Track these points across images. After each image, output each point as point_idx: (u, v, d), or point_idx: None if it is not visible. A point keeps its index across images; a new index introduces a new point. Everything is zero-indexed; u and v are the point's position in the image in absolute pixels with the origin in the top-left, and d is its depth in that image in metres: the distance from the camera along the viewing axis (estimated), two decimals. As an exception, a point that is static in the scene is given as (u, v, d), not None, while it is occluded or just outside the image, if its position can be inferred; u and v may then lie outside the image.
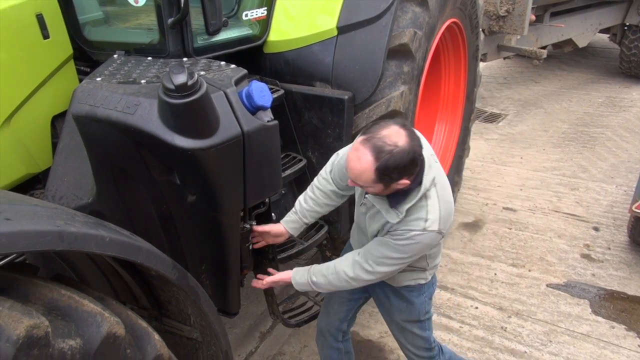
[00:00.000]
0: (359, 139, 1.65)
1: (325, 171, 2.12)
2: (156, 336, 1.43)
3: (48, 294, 1.19)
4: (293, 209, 2.17)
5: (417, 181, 1.72)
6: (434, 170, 1.78)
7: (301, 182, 2.69)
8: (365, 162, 1.61)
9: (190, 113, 1.58)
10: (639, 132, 6.24)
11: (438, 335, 3.11)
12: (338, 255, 3.40)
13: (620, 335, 3.14)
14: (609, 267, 3.79)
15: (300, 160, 2.63)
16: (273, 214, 2.27)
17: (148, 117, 1.62)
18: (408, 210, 1.74)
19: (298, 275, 2.06)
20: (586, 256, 3.92)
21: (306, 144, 2.64)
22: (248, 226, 2.04)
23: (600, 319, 3.28)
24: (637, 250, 3.95)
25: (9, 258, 1.74)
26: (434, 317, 3.20)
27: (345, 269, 1.92)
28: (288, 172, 2.51)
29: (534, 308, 3.36)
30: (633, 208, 3.57)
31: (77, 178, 1.97)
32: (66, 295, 1.21)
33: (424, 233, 1.74)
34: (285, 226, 2.15)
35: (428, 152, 1.81)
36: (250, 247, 2.15)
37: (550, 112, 6.98)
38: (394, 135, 1.60)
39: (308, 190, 2.17)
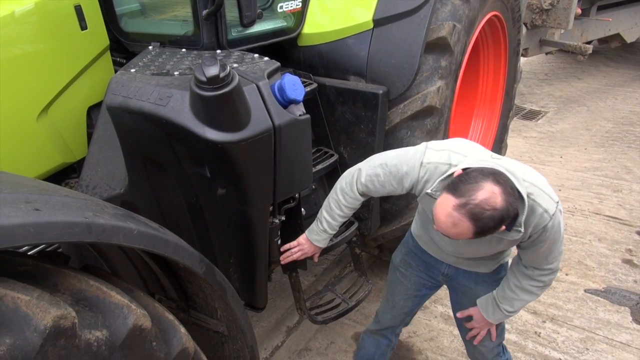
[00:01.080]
0: (450, 202, 1.51)
1: (351, 190, 1.96)
2: (182, 329, 1.43)
3: (76, 284, 1.20)
4: (319, 226, 2.06)
5: (517, 194, 1.60)
6: (511, 170, 1.62)
7: (332, 177, 2.66)
8: (463, 228, 1.52)
9: (222, 106, 1.56)
10: (690, 133, 5.93)
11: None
12: (367, 252, 3.38)
13: (663, 346, 2.99)
14: (652, 274, 3.61)
15: (332, 155, 2.60)
16: (303, 209, 2.24)
17: (180, 109, 1.62)
18: (526, 222, 1.64)
19: (490, 313, 1.97)
20: (628, 261, 3.75)
21: (338, 138, 2.60)
22: (277, 221, 2.02)
23: (641, 328, 3.13)
24: (684, 258, 3.76)
25: (40, 247, 1.77)
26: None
27: (533, 284, 1.84)
28: (319, 167, 2.47)
29: (570, 314, 3.24)
30: (681, 213, 3.38)
31: (111, 168, 1.99)
32: (94, 286, 1.21)
33: (555, 216, 1.66)
34: (318, 245, 2.11)
35: (487, 155, 1.71)
36: (279, 242, 2.14)
37: (594, 110, 6.71)
38: (491, 198, 1.48)
39: (334, 208, 2.02)
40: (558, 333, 3.09)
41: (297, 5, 2.47)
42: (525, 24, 5.37)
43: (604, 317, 3.22)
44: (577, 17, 5.61)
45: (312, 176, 2.22)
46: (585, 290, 3.45)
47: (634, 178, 4.93)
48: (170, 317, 1.41)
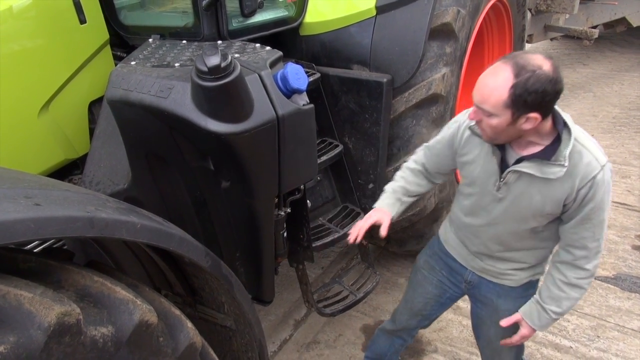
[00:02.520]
0: (498, 60, 1.50)
1: (413, 156, 2.04)
2: (189, 324, 1.41)
3: (81, 281, 1.18)
4: (390, 197, 2.02)
5: (561, 122, 1.55)
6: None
7: (337, 168, 2.63)
8: (503, 77, 1.43)
9: (224, 96, 1.53)
10: (698, 117, 5.86)
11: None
12: (374, 244, 3.35)
13: (675, 332, 2.96)
14: (663, 260, 3.57)
15: (337, 145, 2.57)
16: (308, 201, 2.22)
17: (181, 101, 1.59)
18: (571, 157, 1.52)
19: (536, 319, 1.78)
20: (638, 248, 3.71)
21: (343, 129, 2.57)
22: (282, 213, 2.00)
23: (653, 314, 3.10)
24: (695, 243, 3.71)
25: (47, 244, 1.76)
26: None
27: (579, 274, 1.69)
28: (324, 158, 2.45)
29: (580, 301, 3.19)
30: (692, 198, 3.33)
31: (114, 163, 1.97)
32: (99, 282, 1.19)
33: (605, 169, 1.54)
34: (379, 205, 2.01)
35: None
36: (285, 234, 2.11)
37: (600, 96, 6.63)
38: (539, 59, 1.43)
39: (399, 172, 2.06)
40: (568, 321, 3.06)
41: (298, -6, 2.43)
42: (530, 10, 5.30)
43: (614, 304, 3.18)
44: (582, 2, 5.54)
45: (318, 167, 2.19)
46: (595, 278, 3.41)
47: (642, 163, 4.88)
48: (177, 312, 1.39)
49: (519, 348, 2.07)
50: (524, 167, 1.59)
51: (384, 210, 1.97)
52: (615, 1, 6.35)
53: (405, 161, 2.08)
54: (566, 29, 5.93)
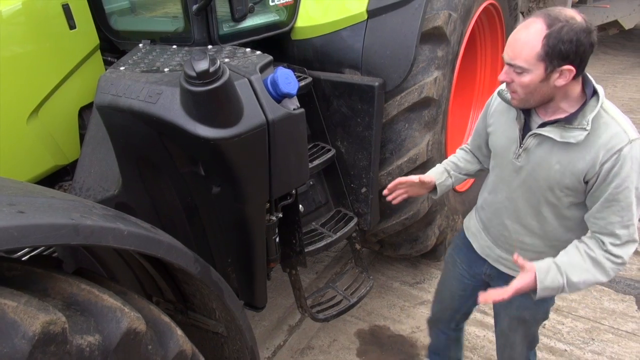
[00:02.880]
0: (530, 15, 1.49)
1: (463, 145, 2.09)
2: (179, 332, 1.40)
3: (67, 289, 1.17)
4: (438, 167, 2.04)
5: (590, 87, 1.51)
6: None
7: (330, 172, 2.63)
8: (535, 29, 1.41)
9: (213, 101, 1.52)
10: (690, 119, 5.88)
11: (473, 331, 3.00)
12: (368, 248, 3.35)
13: (669, 334, 2.96)
14: (657, 261, 3.58)
15: (329, 150, 2.56)
16: (300, 206, 2.21)
17: (170, 106, 1.58)
18: (596, 125, 1.45)
19: (547, 278, 1.54)
20: (632, 250, 3.71)
21: (335, 133, 2.56)
22: (274, 218, 1.99)
23: (647, 316, 3.10)
24: (689, 244, 3.72)
25: (36, 251, 1.74)
26: (469, 313, 3.10)
27: (607, 256, 1.51)
28: (316, 162, 2.44)
29: (575, 304, 3.21)
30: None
31: (104, 170, 1.96)
32: (86, 290, 1.18)
33: (634, 143, 1.44)
34: (430, 175, 1.97)
35: None
36: (277, 239, 2.10)
37: (593, 99, 6.67)
38: (571, 12, 1.43)
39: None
40: (563, 324, 3.05)
41: (289, -2, 2.43)
42: (522, 13, 5.32)
43: (608, 306, 3.19)
44: (574, 4, 5.57)
45: (309, 172, 2.18)
46: (589, 280, 3.42)
47: (635, 165, 4.90)
48: (167, 319, 1.38)
49: (531, 342, 2.06)
50: (545, 130, 1.54)
51: (430, 176, 1.98)
52: (607, 4, 6.39)
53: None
54: (558, 32, 5.96)
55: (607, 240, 1.54)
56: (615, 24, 7.04)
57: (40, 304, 1.00)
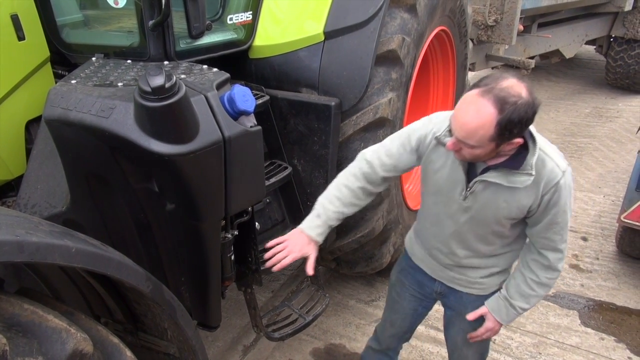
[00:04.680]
0: (473, 91, 1.47)
1: (354, 169, 1.87)
2: (128, 353, 1.35)
3: (9, 309, 1.11)
4: (313, 212, 1.86)
5: (529, 134, 1.57)
6: None
7: (286, 190, 2.63)
8: (486, 115, 1.43)
9: (168, 117, 1.51)
10: (626, 143, 6.27)
11: (426, 347, 3.04)
12: (324, 266, 3.35)
13: (609, 347, 3.10)
14: (597, 277, 3.76)
15: (286, 168, 2.57)
16: (257, 223, 2.19)
17: (123, 121, 1.55)
18: (537, 166, 1.56)
19: (503, 314, 1.84)
20: (575, 266, 3.89)
21: (292, 151, 2.58)
22: (229, 236, 1.97)
23: (589, 330, 3.24)
24: (625, 261, 3.93)
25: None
26: (422, 330, 3.15)
27: (552, 275, 1.76)
28: (273, 180, 2.44)
29: (522, 319, 3.31)
30: (622, 218, 3.55)
31: (51, 185, 1.89)
32: (29, 310, 1.13)
33: (566, 174, 1.61)
34: (310, 233, 1.82)
35: None
36: (232, 257, 2.08)
37: (538, 122, 6.86)
38: (516, 87, 1.44)
39: (332, 189, 1.87)
40: (512, 339, 3.15)
41: (247, 17, 2.45)
42: (472, 40, 5.56)
43: (554, 321, 3.31)
44: (519, 34, 5.86)
45: (266, 189, 2.18)
46: (536, 296, 3.54)
47: (577, 186, 5.15)
48: (115, 340, 1.33)
49: (483, 354, 2.12)
50: (492, 176, 1.62)
51: (312, 242, 1.82)
52: (549, 35, 6.77)
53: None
54: (506, 58, 6.26)
55: (550, 255, 1.75)
56: (557, 53, 7.44)
57: (-22, 326, 0.95)
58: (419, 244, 2.01)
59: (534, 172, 1.57)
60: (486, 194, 1.66)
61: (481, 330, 1.91)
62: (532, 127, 1.58)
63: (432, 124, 1.76)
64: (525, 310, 1.83)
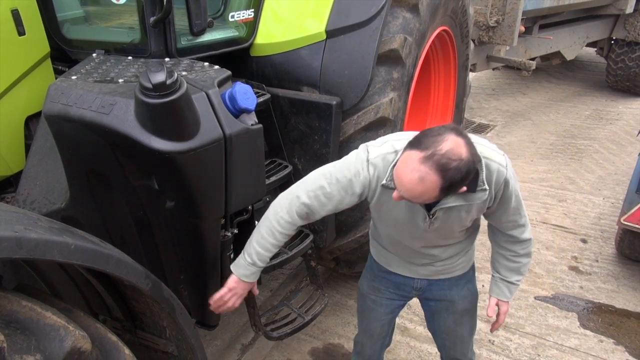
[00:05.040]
0: (414, 155, 1.46)
1: (288, 214, 1.76)
2: (126, 351, 1.34)
3: (7, 306, 1.10)
4: (247, 259, 1.81)
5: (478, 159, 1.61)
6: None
7: (286, 189, 2.62)
8: (430, 182, 1.46)
9: (169, 114, 1.50)
10: (626, 145, 6.27)
11: (425, 348, 3.04)
12: (323, 265, 3.34)
13: (608, 349, 3.09)
14: (596, 279, 3.75)
15: (286, 166, 2.56)
16: (256, 222, 2.18)
17: (124, 118, 1.54)
18: (488, 181, 1.65)
19: (507, 293, 2.00)
20: (574, 268, 3.89)
21: (292, 150, 2.57)
22: (229, 234, 1.96)
23: (588, 332, 3.23)
24: (625, 263, 3.93)
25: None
26: (421, 331, 3.15)
27: (524, 245, 1.90)
28: (273, 178, 2.43)
29: (522, 321, 3.31)
30: (622, 220, 3.54)
31: (51, 182, 1.88)
32: (27, 307, 1.12)
33: (508, 166, 1.70)
34: (247, 280, 1.84)
35: None
36: (232, 256, 2.07)
37: (538, 124, 7.00)
38: (457, 148, 1.45)
39: (266, 235, 1.78)
40: (511, 340, 3.14)
41: (249, 15, 2.44)
42: (473, 40, 5.56)
43: (553, 323, 3.31)
44: (520, 35, 5.86)
45: (266, 188, 2.17)
46: (535, 298, 3.54)
47: (577, 188, 5.16)
48: (114, 338, 1.33)
49: (473, 328, 2.20)
50: (450, 202, 1.67)
51: (250, 283, 1.89)
52: (550, 36, 6.77)
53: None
54: (507, 59, 6.26)
55: (517, 232, 1.88)
56: (558, 54, 7.45)
57: (-25, 322, 0.94)
58: (392, 254, 2.02)
59: (486, 186, 1.64)
60: (448, 214, 1.73)
61: (501, 316, 2.03)
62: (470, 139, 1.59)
63: (372, 168, 1.70)
64: (520, 280, 2.00)
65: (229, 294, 1.86)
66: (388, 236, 1.95)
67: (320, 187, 1.74)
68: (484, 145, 1.69)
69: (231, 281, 1.85)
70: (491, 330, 2.14)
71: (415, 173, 1.46)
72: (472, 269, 2.10)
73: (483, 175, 1.61)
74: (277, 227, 1.77)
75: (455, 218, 1.74)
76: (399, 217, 1.77)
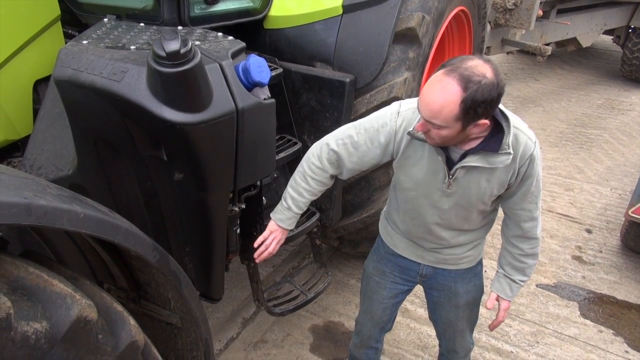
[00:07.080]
0: (439, 71, 1.48)
1: (319, 160, 1.84)
2: (132, 321, 1.34)
3: (14, 272, 1.09)
4: (283, 204, 1.90)
5: (501, 114, 1.60)
6: None
7: (295, 165, 2.58)
8: (451, 93, 1.44)
9: (181, 84, 1.46)
10: (637, 136, 6.20)
11: (424, 330, 3.05)
12: (327, 244, 3.34)
13: (607, 340, 3.10)
14: (599, 270, 3.75)
15: (295, 143, 2.53)
16: (264, 198, 2.17)
17: (135, 86, 1.51)
18: (514, 144, 1.60)
19: (508, 291, 1.96)
20: (577, 258, 3.88)
21: (302, 126, 2.53)
22: (237, 209, 1.94)
23: (588, 322, 3.24)
24: (629, 255, 3.92)
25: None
26: (421, 313, 3.16)
27: (532, 244, 1.86)
28: (282, 154, 2.40)
29: (522, 308, 3.32)
30: (629, 212, 3.51)
31: (58, 148, 1.85)
32: (34, 274, 1.11)
33: (537, 144, 1.68)
34: (283, 225, 1.91)
35: None
36: (238, 230, 2.06)
37: (549, 111, 6.91)
38: (481, 67, 1.45)
39: (299, 181, 1.88)
40: (510, 326, 3.15)
41: (264, -15, 2.38)
42: (490, 22, 5.45)
43: (553, 311, 3.31)
44: (537, 19, 5.73)
45: (275, 164, 2.14)
46: (537, 285, 3.54)
47: (584, 178, 5.11)
48: (119, 307, 1.32)
49: (474, 322, 2.20)
50: (472, 161, 1.63)
51: (287, 231, 1.95)
52: (568, 21, 6.63)
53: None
54: (522, 44, 6.14)
55: (527, 225, 1.82)
56: (574, 41, 7.31)
57: (-17, 287, 0.93)
58: (399, 235, 2.00)
59: (512, 151, 1.60)
60: (468, 178, 1.69)
61: (500, 313, 2.00)
62: (502, 106, 1.60)
63: (400, 119, 1.73)
64: (524, 281, 1.96)
65: (270, 237, 1.92)
66: (405, 203, 1.89)
67: (348, 135, 1.80)
68: (517, 118, 1.66)
69: (271, 225, 1.93)
70: (490, 329, 2.10)
71: (438, 84, 1.47)
72: (480, 264, 2.06)
73: (509, 139, 1.58)
74: (308, 172, 1.86)
75: (475, 185, 1.69)
76: (419, 176, 1.75)
